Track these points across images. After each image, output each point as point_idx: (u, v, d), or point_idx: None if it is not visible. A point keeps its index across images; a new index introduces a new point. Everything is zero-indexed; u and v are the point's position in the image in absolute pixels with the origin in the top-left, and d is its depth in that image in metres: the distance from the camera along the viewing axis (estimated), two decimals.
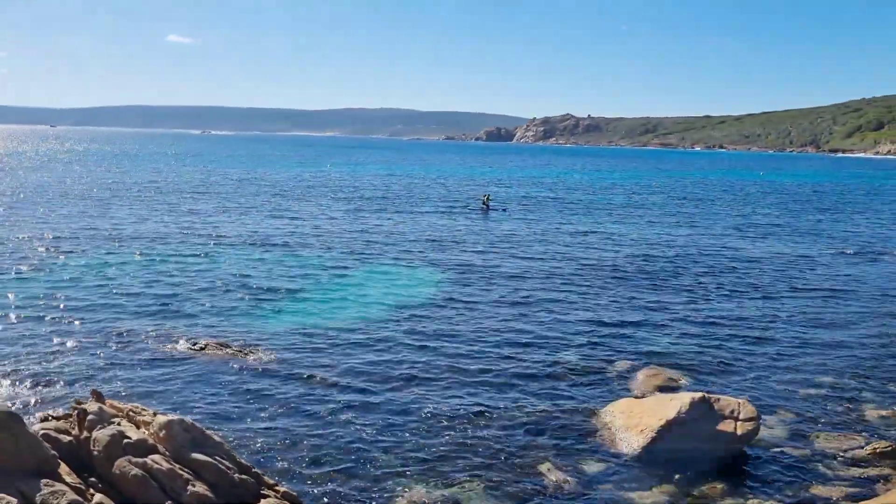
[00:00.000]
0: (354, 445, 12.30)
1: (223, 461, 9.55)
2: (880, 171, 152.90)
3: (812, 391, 15.55)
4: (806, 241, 39.49)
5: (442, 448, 12.30)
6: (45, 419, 10.45)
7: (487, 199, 52.73)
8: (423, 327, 19.42)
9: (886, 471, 11.72)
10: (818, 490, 11.25)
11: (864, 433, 13.33)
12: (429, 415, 13.64)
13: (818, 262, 32.01)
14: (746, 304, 23.57)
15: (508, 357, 17.19)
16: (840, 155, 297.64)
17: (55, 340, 17.10)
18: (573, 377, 16.02)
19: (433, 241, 35.13)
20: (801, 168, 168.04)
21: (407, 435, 12.77)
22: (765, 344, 18.98)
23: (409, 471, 11.50)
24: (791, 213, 55.72)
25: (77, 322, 18.71)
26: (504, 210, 51.36)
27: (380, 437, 12.64)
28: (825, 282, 27.48)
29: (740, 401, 12.79)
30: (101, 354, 16.31)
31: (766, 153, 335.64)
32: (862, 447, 12.62)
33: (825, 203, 66.96)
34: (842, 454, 12.47)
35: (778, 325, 20.95)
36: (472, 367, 16.32)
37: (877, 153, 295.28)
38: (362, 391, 14.73)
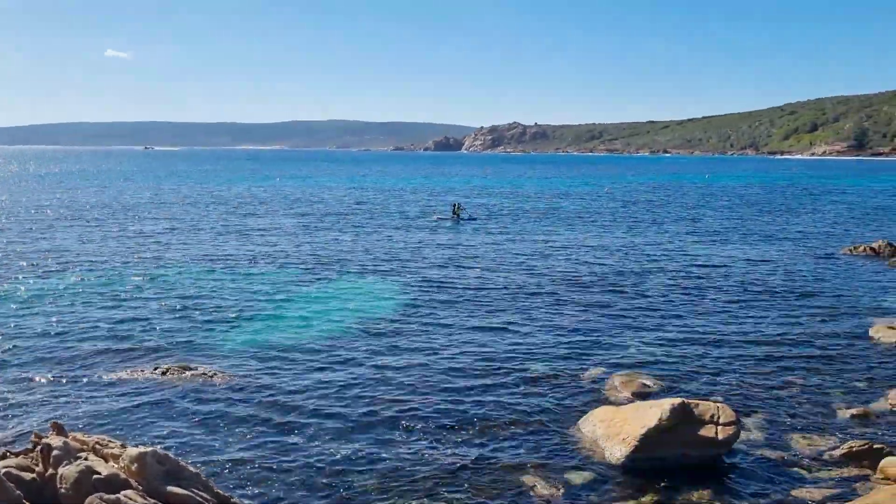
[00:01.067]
0: (329, 468, 11.91)
1: (200, 493, 9.10)
2: (820, 172, 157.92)
3: (783, 392, 15.69)
4: (761, 243, 40.32)
5: (420, 467, 11.99)
6: (3, 457, 9.81)
7: (457, 208, 52.65)
8: (391, 345, 19.05)
9: (866, 471, 11.83)
10: (801, 493, 11.27)
11: (838, 433, 13.46)
12: (403, 434, 13.31)
13: (776, 264, 32.62)
14: (709, 307, 23.83)
15: (479, 371, 16.93)
16: (779, 157, 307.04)
17: (5, 372, 16.23)
18: (547, 388, 15.85)
19: (394, 255, 34.77)
20: (743, 170, 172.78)
21: (382, 455, 12.41)
22: (731, 346, 19.15)
23: (387, 492, 11.16)
24: (742, 216, 56.95)
25: (28, 352, 17.82)
26: (473, 218, 51.63)
27: (354, 459, 12.26)
28: (785, 283, 27.99)
29: (719, 405, 12.77)
30: (57, 385, 15.53)
31: (709, 156, 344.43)
32: (837, 447, 12.72)
33: (772, 205, 68.72)
34: (819, 455, 12.56)
35: (742, 327, 21.20)
36: (442, 385, 16.00)
37: (812, 154, 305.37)
38: (332, 412, 14.29)
